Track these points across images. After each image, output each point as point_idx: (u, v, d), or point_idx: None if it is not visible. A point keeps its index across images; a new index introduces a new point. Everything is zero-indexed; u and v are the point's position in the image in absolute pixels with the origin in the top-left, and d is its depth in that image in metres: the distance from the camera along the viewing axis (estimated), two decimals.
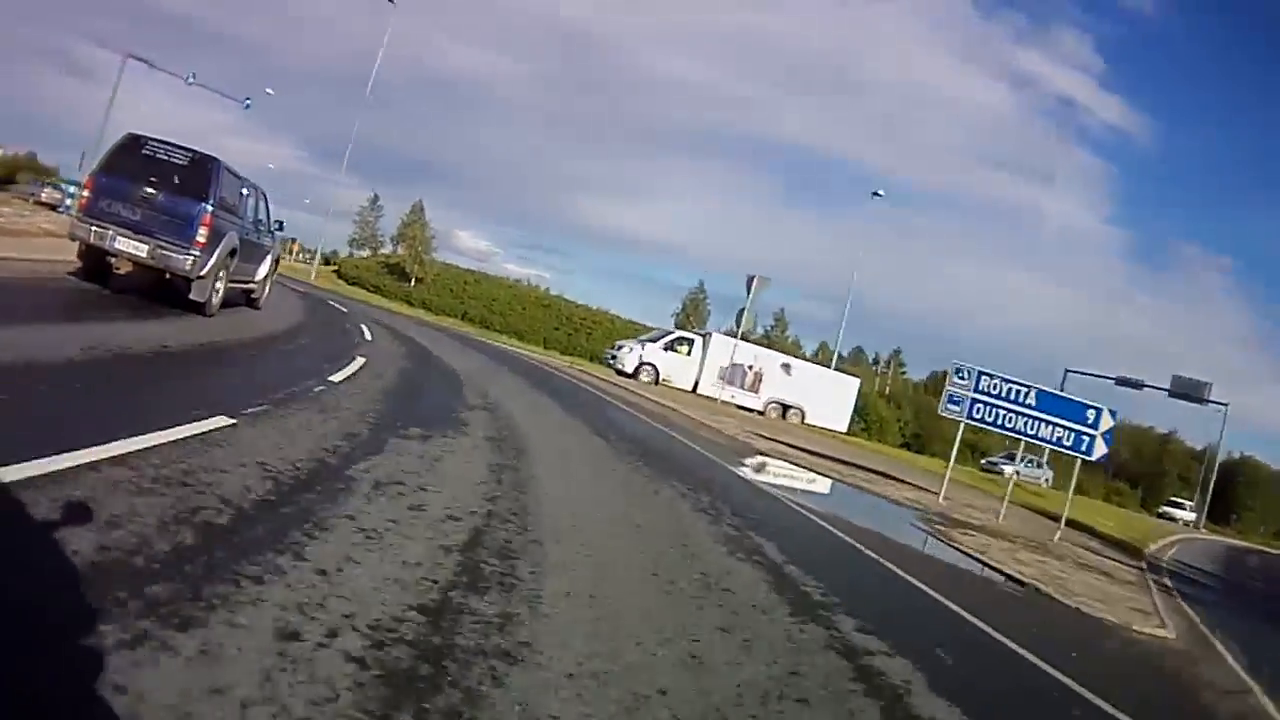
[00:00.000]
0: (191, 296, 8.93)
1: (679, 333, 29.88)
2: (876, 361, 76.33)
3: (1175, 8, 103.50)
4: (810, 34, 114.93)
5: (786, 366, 30.08)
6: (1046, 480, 34.48)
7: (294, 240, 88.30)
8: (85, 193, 8.91)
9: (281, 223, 11.52)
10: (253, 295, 11.48)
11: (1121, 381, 31.88)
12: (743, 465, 11.04)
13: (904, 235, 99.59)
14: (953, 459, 15.61)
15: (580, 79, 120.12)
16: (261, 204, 10.88)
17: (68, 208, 26.08)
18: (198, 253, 8.73)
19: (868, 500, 11.69)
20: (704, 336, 28.81)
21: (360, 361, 8.97)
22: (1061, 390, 16.23)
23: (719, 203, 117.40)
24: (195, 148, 9.20)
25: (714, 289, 76.68)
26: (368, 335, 13.20)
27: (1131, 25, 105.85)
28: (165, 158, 8.96)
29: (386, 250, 64.41)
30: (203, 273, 8.85)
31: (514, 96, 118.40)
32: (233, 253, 9.51)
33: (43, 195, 34.84)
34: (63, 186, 36.12)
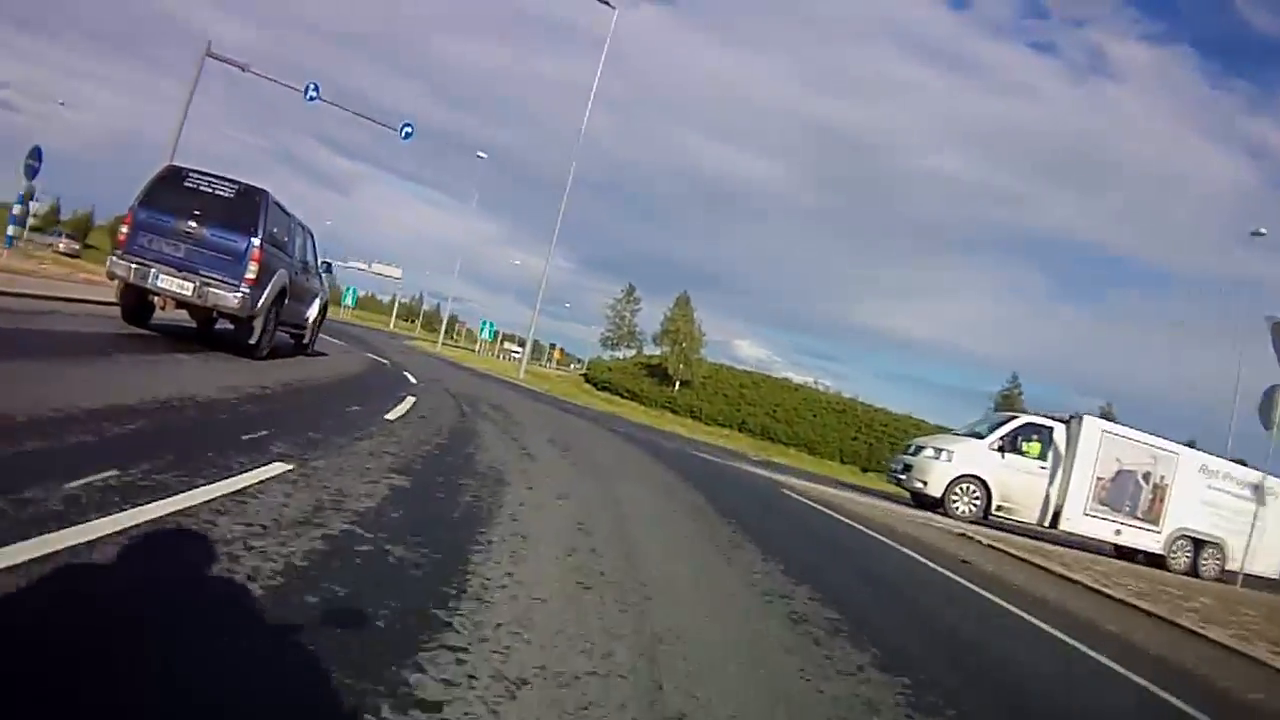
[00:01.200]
0: (242, 338, 8.08)
1: (1024, 417, 15.80)
2: None
3: None
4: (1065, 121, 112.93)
5: (1208, 470, 15.56)
6: None
7: (555, 346, 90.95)
8: (124, 229, 8.12)
9: (330, 264, 10.69)
10: (303, 340, 10.69)
11: None
12: None
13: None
14: None
15: (836, 176, 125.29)
16: (309, 244, 10.13)
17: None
18: (248, 290, 7.91)
19: None
20: (1069, 421, 15.12)
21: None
22: None
23: (991, 299, 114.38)
24: (241, 179, 8.46)
25: (988, 388, 66.99)
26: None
27: None
28: (210, 190, 8.19)
29: (648, 350, 57.09)
30: (254, 311, 8.01)
31: (781, 201, 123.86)
32: (282, 292, 8.69)
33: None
34: None
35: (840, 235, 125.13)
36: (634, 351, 60.95)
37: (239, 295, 7.87)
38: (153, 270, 7.75)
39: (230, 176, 8.42)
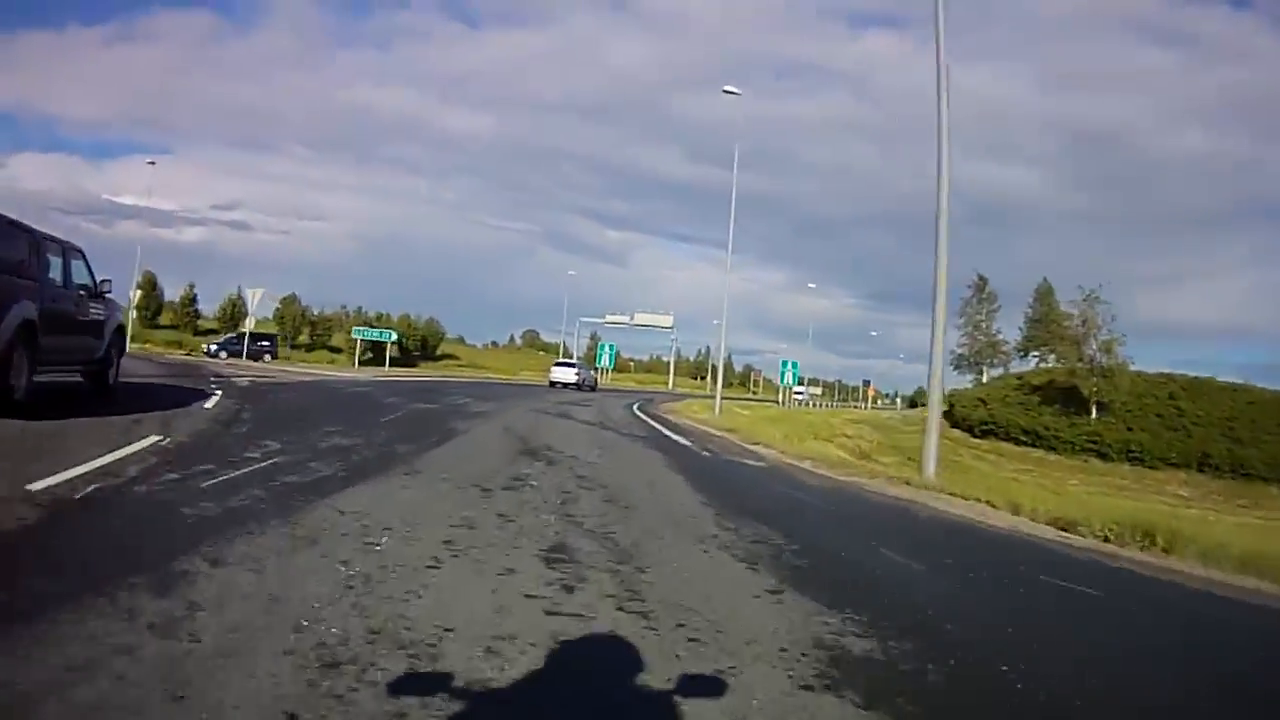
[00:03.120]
0: None
1: None
2: None
3: None
4: None
5: None
6: None
7: (868, 383, 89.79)
8: None
9: (109, 281, 8.97)
10: (99, 375, 9.20)
11: None
12: None
13: None
14: None
15: (1089, 174, 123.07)
16: (78, 264, 8.46)
17: None
18: None
19: None
20: None
21: None
22: None
23: (1265, 269, 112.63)
24: None
25: None
26: None
27: None
28: None
29: (1018, 367, 46.20)
30: None
31: (1042, 208, 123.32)
32: (29, 326, 7.10)
33: None
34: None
35: (1100, 233, 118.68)
36: (999, 371, 48.02)
37: None
38: None
39: None
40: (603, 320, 74.09)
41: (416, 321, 63.76)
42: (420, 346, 63.89)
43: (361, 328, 50.54)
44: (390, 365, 56.27)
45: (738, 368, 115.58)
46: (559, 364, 46.43)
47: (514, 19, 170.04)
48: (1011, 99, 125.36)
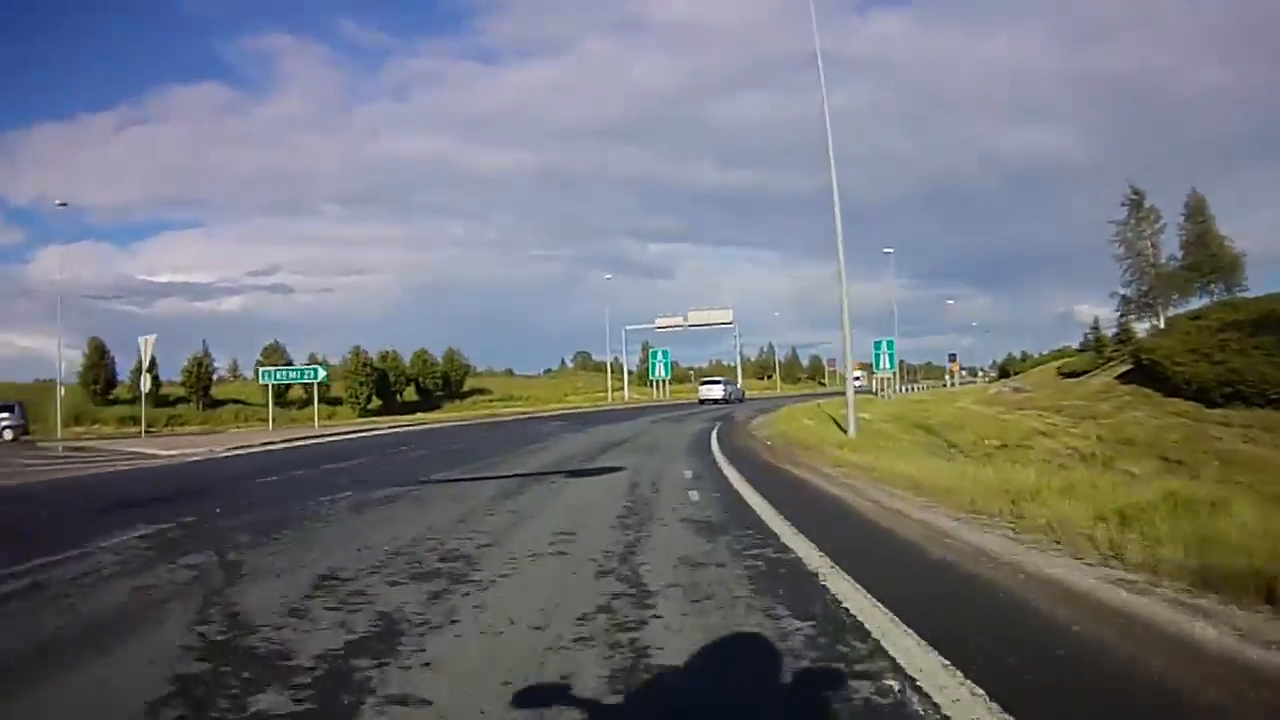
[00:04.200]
0: None
1: None
2: None
3: None
4: None
5: None
6: None
7: (954, 358, 76.53)
8: None
9: None
10: None
11: None
12: None
13: None
14: None
15: (1115, 124, 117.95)
16: None
17: None
18: None
19: None
20: None
21: None
22: None
23: None
24: None
25: None
26: None
27: None
28: None
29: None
30: None
31: (1075, 165, 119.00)
32: None
33: None
34: None
35: (1137, 177, 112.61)
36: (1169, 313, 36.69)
37: None
38: None
39: None
40: (653, 326, 63.87)
41: (432, 357, 53.92)
42: (443, 384, 54.18)
43: (273, 368, 38.68)
44: (406, 409, 47.11)
45: (803, 360, 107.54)
46: (705, 382, 48.97)
47: (529, 52, 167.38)
48: (1029, 59, 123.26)
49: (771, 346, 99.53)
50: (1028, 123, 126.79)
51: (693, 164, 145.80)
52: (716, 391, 44.49)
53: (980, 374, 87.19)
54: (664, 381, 64.07)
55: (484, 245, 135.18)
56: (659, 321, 63.73)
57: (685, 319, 63.54)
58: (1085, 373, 38.36)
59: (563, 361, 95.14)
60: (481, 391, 58.27)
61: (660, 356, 64.75)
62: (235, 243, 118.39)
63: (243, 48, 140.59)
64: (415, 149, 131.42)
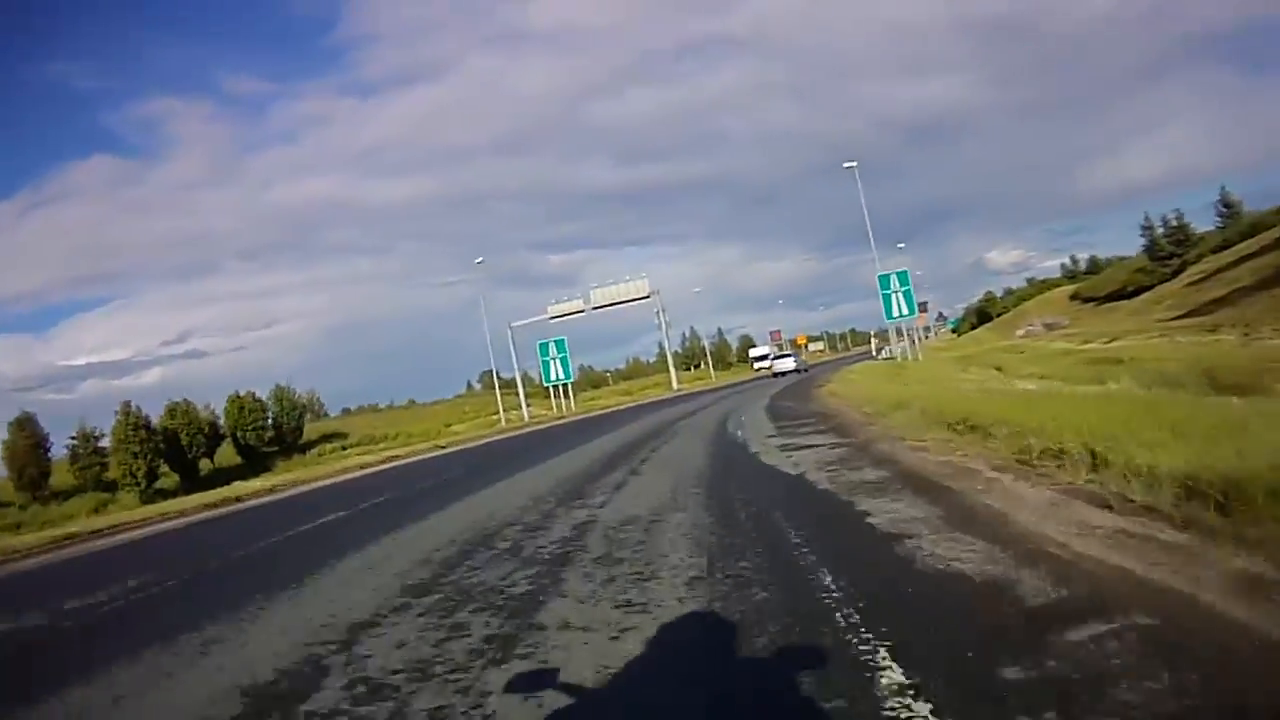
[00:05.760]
0: None
1: None
2: None
3: None
4: None
5: None
6: None
7: (923, 307, 57.88)
8: None
9: None
10: None
11: None
12: None
13: None
14: None
15: (1006, 66, 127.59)
16: None
17: None
18: None
19: None
20: None
21: None
22: None
23: (1196, 112, 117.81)
24: None
25: None
26: None
27: None
28: None
29: None
30: None
31: (971, 112, 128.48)
32: None
33: None
34: None
35: (1033, 116, 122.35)
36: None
37: None
38: None
39: None
40: (546, 318, 50.73)
41: (252, 404, 43.48)
42: (275, 438, 43.88)
43: None
44: (223, 477, 36.66)
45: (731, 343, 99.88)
46: (778, 356, 52.30)
47: (411, 78, 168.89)
48: (915, 10, 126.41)
49: (695, 332, 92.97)
50: (918, 78, 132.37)
51: (589, 166, 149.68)
52: (789, 364, 46.81)
53: (929, 330, 77.88)
54: (565, 386, 51.12)
55: (391, 278, 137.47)
56: (551, 310, 50.99)
57: (588, 301, 51.38)
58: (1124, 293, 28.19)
59: (469, 384, 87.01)
60: (335, 436, 47.85)
61: (555, 350, 47.75)
62: (147, 313, 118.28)
63: (128, 116, 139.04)
64: (312, 191, 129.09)
